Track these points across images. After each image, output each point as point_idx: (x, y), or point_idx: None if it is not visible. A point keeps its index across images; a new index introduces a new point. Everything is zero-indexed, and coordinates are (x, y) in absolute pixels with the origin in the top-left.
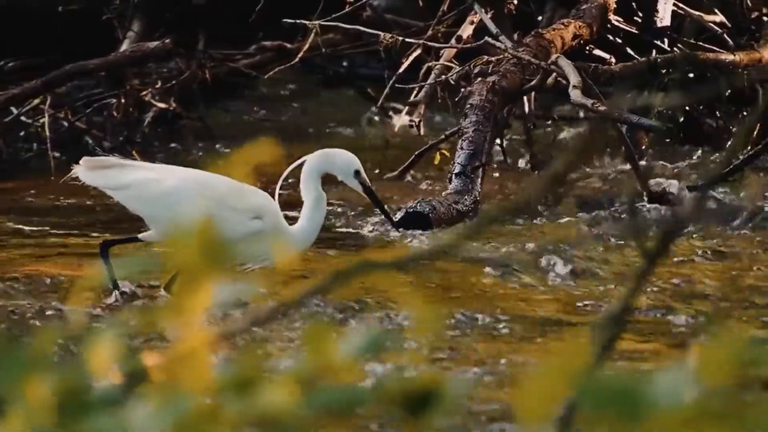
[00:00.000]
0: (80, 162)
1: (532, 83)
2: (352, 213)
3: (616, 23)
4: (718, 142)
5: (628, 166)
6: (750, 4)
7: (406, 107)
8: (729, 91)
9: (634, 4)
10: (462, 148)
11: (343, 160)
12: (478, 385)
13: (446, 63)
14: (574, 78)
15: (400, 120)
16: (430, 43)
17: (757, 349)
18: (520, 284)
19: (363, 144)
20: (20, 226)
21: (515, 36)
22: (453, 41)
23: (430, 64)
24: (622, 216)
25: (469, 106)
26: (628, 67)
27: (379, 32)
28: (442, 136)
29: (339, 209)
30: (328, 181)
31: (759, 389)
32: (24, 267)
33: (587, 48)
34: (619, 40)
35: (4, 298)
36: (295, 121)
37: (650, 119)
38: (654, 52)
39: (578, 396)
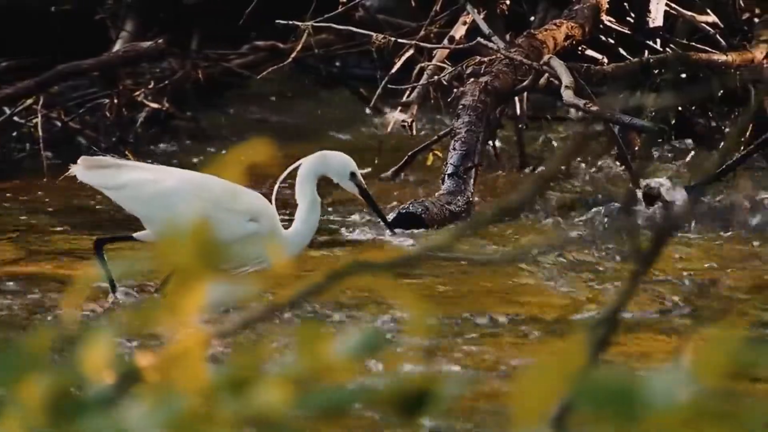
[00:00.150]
0: (78, 161)
1: (525, 84)
2: (347, 214)
3: (609, 24)
4: (711, 142)
5: (621, 167)
6: (742, 5)
7: (399, 108)
8: (721, 91)
9: (626, 4)
10: (455, 149)
11: (338, 163)
12: (475, 385)
13: (439, 63)
14: (566, 78)
15: (393, 120)
16: (422, 44)
17: (752, 348)
18: (517, 284)
19: (356, 145)
20: (13, 226)
21: (508, 36)
22: (445, 42)
23: (422, 64)
24: (616, 216)
25: (461, 106)
26: (621, 67)
27: (372, 33)
28: (435, 137)
29: (333, 210)
30: (322, 181)
31: (754, 388)
32: (17, 267)
33: (579, 48)
34: (612, 41)
35: None
36: (288, 122)
37: (642, 120)
38: (646, 52)
39: (574, 395)
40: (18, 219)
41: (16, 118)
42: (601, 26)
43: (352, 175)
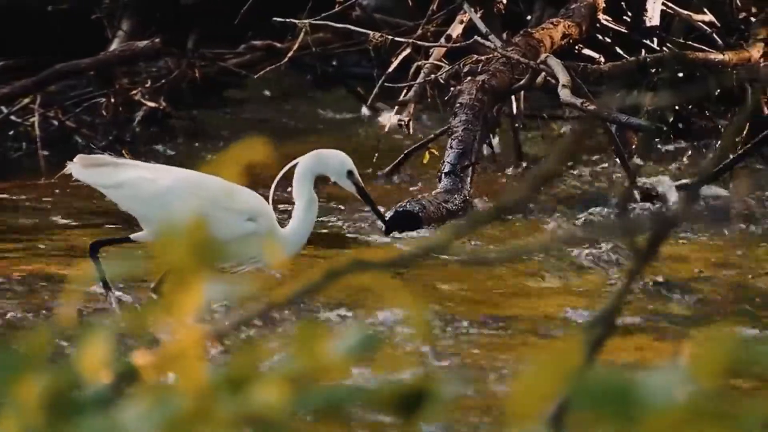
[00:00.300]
0: (74, 159)
1: (522, 82)
2: (344, 212)
3: (606, 22)
4: (708, 141)
5: (618, 165)
6: (739, 4)
7: (396, 106)
8: (718, 90)
9: (623, 3)
10: (452, 147)
11: (336, 161)
12: (472, 385)
13: (436, 62)
14: (563, 77)
15: (390, 119)
16: (419, 42)
17: (749, 347)
18: (516, 283)
19: (353, 143)
20: (10, 225)
21: (504, 35)
22: (442, 40)
23: (419, 63)
24: (614, 215)
25: (458, 105)
26: (618, 66)
27: (369, 31)
28: (432, 135)
29: (330, 209)
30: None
31: (750, 388)
32: (13, 266)
33: (576, 47)
34: (609, 40)
35: None
36: (285, 121)
37: (639, 119)
38: (643, 51)
39: (571, 395)
40: (15, 218)
41: (13, 117)
42: (598, 25)
43: (350, 173)
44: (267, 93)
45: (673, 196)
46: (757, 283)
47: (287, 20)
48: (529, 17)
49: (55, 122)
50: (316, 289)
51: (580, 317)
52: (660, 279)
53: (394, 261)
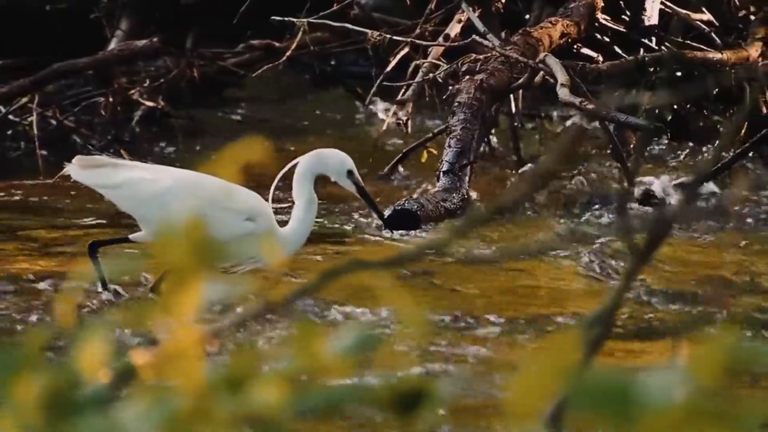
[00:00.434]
0: (73, 160)
1: (520, 81)
2: (343, 212)
3: (604, 22)
4: (706, 140)
5: (616, 165)
6: (737, 3)
7: (394, 105)
8: (716, 89)
9: (621, 2)
10: (450, 146)
11: (336, 161)
12: (470, 384)
13: (434, 61)
14: (561, 76)
15: (388, 118)
16: (417, 42)
17: (747, 347)
18: (514, 282)
19: (351, 142)
20: (8, 225)
21: (503, 34)
22: (440, 39)
23: (417, 62)
24: (612, 214)
25: (456, 104)
26: (616, 65)
27: (367, 30)
28: (430, 134)
29: (329, 208)
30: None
31: (749, 387)
32: (11, 265)
33: (575, 46)
34: (607, 39)
35: None
36: (284, 120)
37: (638, 118)
38: (642, 50)
39: (569, 394)
40: (13, 217)
41: (11, 117)
42: (596, 24)
43: (350, 173)
44: (265, 92)
45: (671, 196)
46: (756, 283)
47: (286, 19)
48: (527, 16)
49: (54, 122)
50: (315, 289)
51: (578, 317)
52: (658, 279)
53: (393, 260)
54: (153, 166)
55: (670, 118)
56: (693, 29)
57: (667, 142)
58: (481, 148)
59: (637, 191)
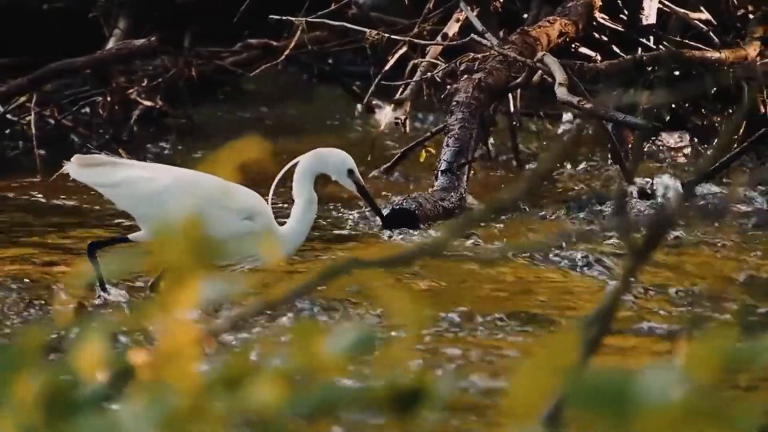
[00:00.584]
0: (72, 159)
1: (518, 80)
2: (341, 210)
3: (602, 21)
4: (704, 139)
5: (614, 164)
6: (736, 2)
7: (392, 104)
8: (715, 88)
9: (619, 1)
10: (448, 145)
11: (336, 160)
12: (468, 383)
13: (432, 60)
14: (560, 75)
15: (386, 117)
16: (416, 41)
17: (744, 346)
18: (513, 281)
19: (349, 141)
20: (6, 224)
21: (501, 33)
22: (439, 39)
23: (416, 61)
24: (610, 213)
25: (455, 103)
26: (614, 64)
27: (365, 29)
28: (428, 134)
29: (328, 207)
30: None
31: (745, 387)
32: (9, 265)
33: (573, 45)
34: (605, 38)
35: None
36: (282, 119)
37: (636, 117)
38: (640, 49)
39: (566, 393)
40: (11, 216)
41: (9, 116)
42: (594, 23)
43: (350, 172)
44: (263, 92)
45: (669, 195)
46: (754, 282)
47: (284, 18)
48: (525, 15)
49: (52, 121)
50: (314, 288)
51: (576, 316)
52: (656, 278)
53: (391, 260)
54: (152, 164)
55: (668, 117)
56: (691, 28)
57: (665, 141)
58: (480, 148)
59: (636, 190)
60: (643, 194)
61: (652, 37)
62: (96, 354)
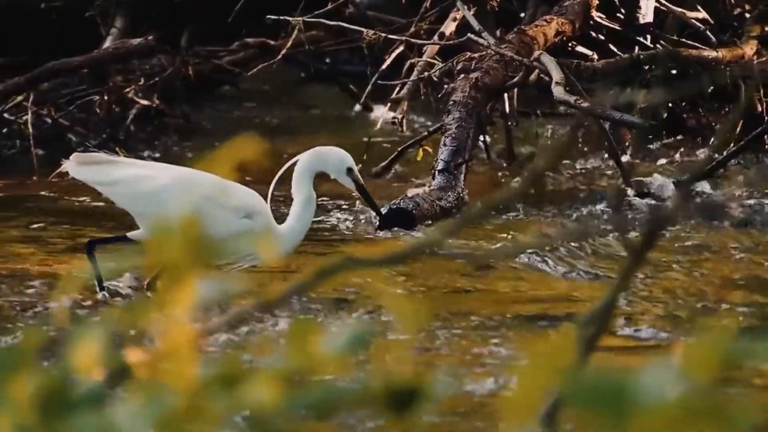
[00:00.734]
0: (70, 157)
1: (515, 80)
2: (339, 209)
3: (599, 20)
4: (701, 138)
5: (612, 163)
6: (732, 1)
7: (389, 104)
8: (711, 87)
9: (616, 0)
10: (445, 145)
11: (335, 158)
12: (466, 382)
13: (429, 60)
14: (556, 74)
15: (383, 117)
16: (412, 40)
17: (742, 345)
18: (511, 281)
19: (345, 141)
20: (3, 223)
21: (498, 33)
22: (436, 38)
23: (412, 60)
24: (608, 213)
25: (452, 102)
26: (611, 63)
27: (362, 29)
28: (425, 133)
29: (327, 206)
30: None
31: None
32: (7, 264)
33: (570, 44)
34: (602, 37)
35: None
36: (279, 118)
37: (633, 116)
38: (637, 48)
39: (564, 393)
40: (8, 216)
41: (6, 115)
42: (591, 22)
43: (349, 170)
44: (260, 91)
45: (666, 194)
46: (752, 281)
47: (281, 18)
48: (522, 14)
49: (49, 120)
50: (310, 287)
51: (574, 315)
52: (654, 277)
53: (388, 258)
54: (150, 163)
55: (666, 116)
56: (688, 27)
57: (661, 139)
58: (477, 147)
59: (633, 189)
60: (640, 193)
61: (649, 36)
62: (93, 353)
